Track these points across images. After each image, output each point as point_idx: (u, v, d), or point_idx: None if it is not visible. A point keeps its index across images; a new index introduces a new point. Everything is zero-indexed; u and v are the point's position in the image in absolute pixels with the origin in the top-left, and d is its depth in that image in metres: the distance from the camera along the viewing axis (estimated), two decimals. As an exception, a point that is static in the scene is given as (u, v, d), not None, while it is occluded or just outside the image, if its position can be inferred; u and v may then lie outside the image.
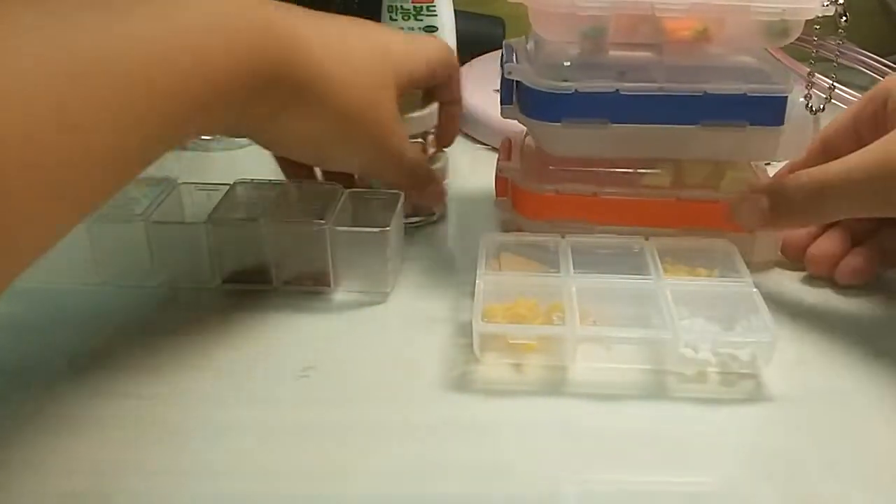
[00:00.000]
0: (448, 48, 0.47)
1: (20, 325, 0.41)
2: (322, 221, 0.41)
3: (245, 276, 0.43)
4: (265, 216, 0.42)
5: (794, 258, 0.45)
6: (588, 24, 0.43)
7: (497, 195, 0.49)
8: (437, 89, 0.48)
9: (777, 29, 0.42)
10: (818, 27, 0.42)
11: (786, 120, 0.42)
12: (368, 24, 0.43)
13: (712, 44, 0.43)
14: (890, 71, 0.67)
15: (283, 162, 0.47)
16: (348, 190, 0.45)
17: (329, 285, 0.43)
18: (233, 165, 0.60)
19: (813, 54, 0.42)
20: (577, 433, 0.34)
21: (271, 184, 0.46)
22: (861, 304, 0.42)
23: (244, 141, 0.63)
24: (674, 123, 0.43)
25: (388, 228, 0.41)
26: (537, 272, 0.41)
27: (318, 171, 0.49)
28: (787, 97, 0.42)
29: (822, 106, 0.43)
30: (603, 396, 0.36)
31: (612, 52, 0.44)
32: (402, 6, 0.60)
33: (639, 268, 0.41)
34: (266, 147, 0.42)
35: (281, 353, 0.39)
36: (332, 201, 0.43)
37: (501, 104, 0.46)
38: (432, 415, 0.35)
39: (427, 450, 0.33)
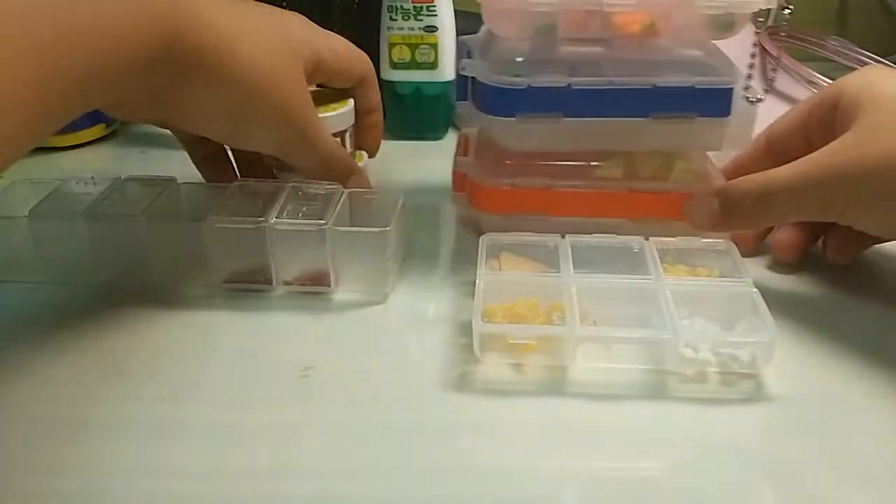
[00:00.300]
0: (360, 52, 0.49)
1: (19, 323, 0.41)
2: (322, 222, 0.41)
3: (245, 277, 0.43)
4: (265, 216, 0.42)
5: (746, 248, 0.45)
6: (539, 20, 0.44)
7: (454, 190, 0.49)
8: (354, 96, 0.49)
9: (723, 22, 0.43)
10: (763, 23, 0.43)
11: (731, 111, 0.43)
12: (281, 11, 0.45)
13: (660, 38, 0.44)
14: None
15: (203, 164, 0.49)
16: (348, 190, 0.45)
17: (329, 285, 0.43)
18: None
19: (756, 44, 0.42)
20: (577, 433, 0.34)
21: (271, 184, 0.46)
22: (861, 304, 0.42)
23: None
24: (625, 116, 0.43)
25: (388, 229, 0.41)
26: (537, 272, 0.41)
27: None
28: (732, 88, 0.43)
29: (760, 97, 0.43)
30: (603, 396, 0.36)
31: (565, 48, 0.44)
32: (402, 6, 0.60)
33: (639, 268, 0.41)
34: (179, 125, 0.44)
35: (281, 353, 0.39)
36: (332, 202, 0.44)
37: (457, 100, 0.47)
38: (432, 415, 0.35)
39: (427, 450, 0.33)
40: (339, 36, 0.48)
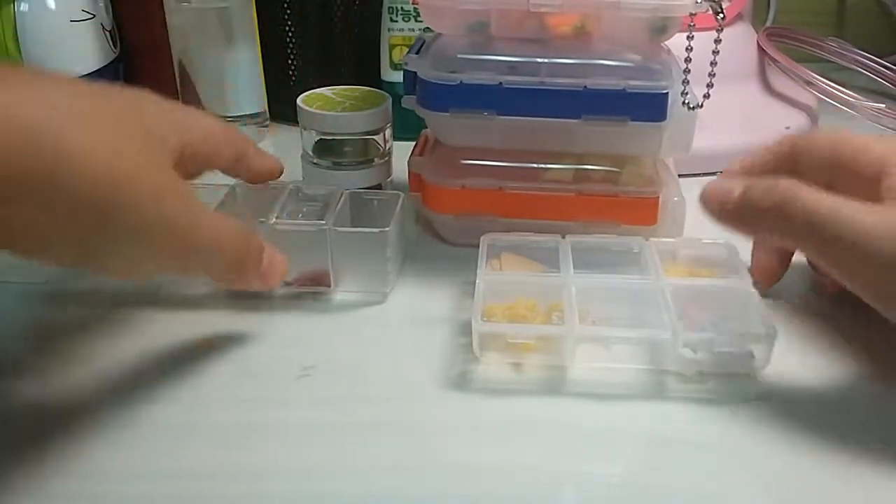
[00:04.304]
0: (229, 126, 0.40)
1: (19, 324, 0.41)
2: (322, 222, 0.42)
3: (245, 277, 0.43)
4: (265, 217, 0.42)
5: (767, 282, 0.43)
6: (470, 17, 0.44)
7: (410, 190, 0.50)
8: (233, 170, 0.40)
9: (657, 25, 0.43)
10: (713, 22, 0.42)
11: (668, 116, 0.43)
12: (123, 91, 0.32)
13: (594, 40, 0.44)
14: (888, 72, 0.67)
15: None
16: (348, 190, 0.45)
17: (329, 285, 0.43)
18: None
19: (688, 48, 0.42)
20: (576, 433, 0.34)
21: (271, 184, 0.46)
22: (859, 306, 0.42)
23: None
24: (557, 117, 0.43)
25: (387, 229, 0.41)
26: (538, 272, 0.42)
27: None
28: (667, 93, 0.42)
29: (699, 102, 0.43)
30: (602, 396, 0.36)
31: (504, 46, 0.44)
32: (402, 7, 0.60)
33: (639, 268, 0.41)
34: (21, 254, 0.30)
35: (281, 353, 0.39)
36: (332, 202, 0.44)
37: (404, 94, 0.47)
38: (432, 414, 0.35)
39: (426, 448, 0.33)
40: (208, 116, 0.38)
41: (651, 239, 0.42)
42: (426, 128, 0.52)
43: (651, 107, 0.43)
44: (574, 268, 0.40)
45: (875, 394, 0.36)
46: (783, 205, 0.35)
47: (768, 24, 0.78)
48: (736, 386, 0.36)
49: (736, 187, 0.37)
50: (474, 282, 0.39)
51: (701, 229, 0.47)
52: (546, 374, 0.37)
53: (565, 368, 0.37)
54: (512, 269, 0.42)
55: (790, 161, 0.40)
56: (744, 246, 0.43)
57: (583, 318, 0.37)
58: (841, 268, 0.35)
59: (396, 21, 0.61)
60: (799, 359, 0.38)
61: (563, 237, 0.43)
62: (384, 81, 0.63)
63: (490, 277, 0.40)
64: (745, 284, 0.39)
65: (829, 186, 0.37)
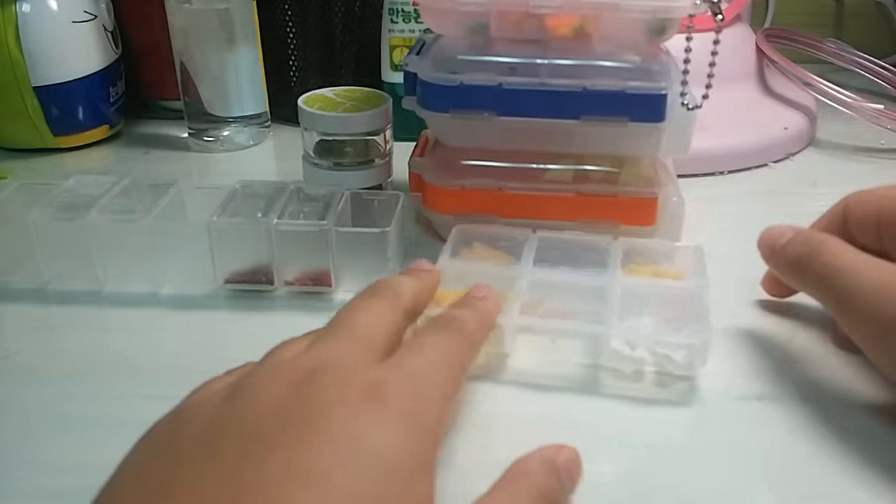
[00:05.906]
0: None
1: (22, 324, 0.42)
2: (324, 222, 0.42)
3: (246, 277, 0.43)
4: (267, 217, 0.42)
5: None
6: (471, 18, 0.44)
7: (411, 190, 0.50)
8: None
9: (656, 27, 0.43)
10: (712, 24, 0.42)
11: (667, 117, 0.43)
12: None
13: (594, 41, 0.44)
14: (887, 73, 0.67)
15: None
16: (349, 191, 0.45)
17: (330, 286, 0.43)
18: (235, 166, 0.61)
19: (687, 49, 0.42)
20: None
21: (273, 184, 0.46)
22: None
23: (247, 142, 0.64)
24: (556, 118, 0.44)
25: (388, 229, 0.42)
26: (505, 264, 0.41)
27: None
28: (666, 94, 0.42)
29: (698, 103, 0.43)
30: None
31: (504, 48, 0.44)
32: (402, 8, 0.61)
33: (601, 265, 0.41)
34: None
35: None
36: (334, 202, 0.44)
37: (404, 95, 0.47)
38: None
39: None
40: None
41: (620, 238, 0.43)
42: (426, 128, 0.52)
43: (650, 108, 0.43)
44: (538, 262, 0.40)
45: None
46: (810, 255, 0.36)
47: (767, 25, 0.78)
48: (671, 387, 0.36)
49: (787, 234, 0.38)
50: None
51: (700, 229, 0.48)
52: (487, 361, 0.37)
53: (507, 356, 0.38)
54: (479, 260, 0.42)
55: (842, 219, 0.40)
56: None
57: (533, 310, 0.37)
58: (848, 324, 0.35)
59: (397, 22, 0.61)
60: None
61: (534, 231, 0.43)
62: (384, 82, 0.63)
63: (447, 264, 0.40)
64: (700, 286, 0.39)
65: (878, 243, 0.38)
